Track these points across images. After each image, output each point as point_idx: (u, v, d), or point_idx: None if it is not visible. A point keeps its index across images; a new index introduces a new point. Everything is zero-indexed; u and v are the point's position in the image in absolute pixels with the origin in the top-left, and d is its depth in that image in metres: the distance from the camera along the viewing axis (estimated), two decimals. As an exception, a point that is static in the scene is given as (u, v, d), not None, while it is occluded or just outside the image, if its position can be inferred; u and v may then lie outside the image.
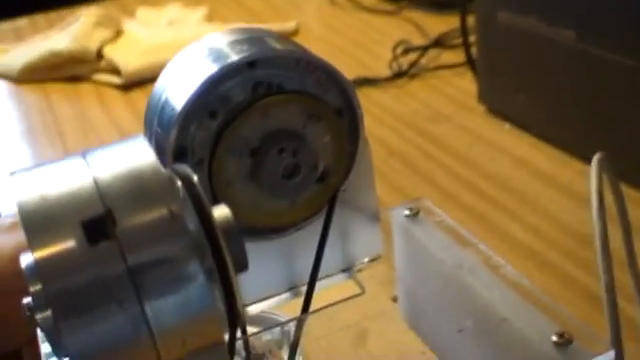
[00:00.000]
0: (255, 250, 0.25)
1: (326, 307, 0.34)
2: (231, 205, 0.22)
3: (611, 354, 0.27)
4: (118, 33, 0.93)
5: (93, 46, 0.87)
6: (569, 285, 0.45)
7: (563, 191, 0.55)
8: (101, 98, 0.82)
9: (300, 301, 0.34)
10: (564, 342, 0.27)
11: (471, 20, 0.69)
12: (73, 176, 0.21)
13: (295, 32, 0.94)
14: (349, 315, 0.38)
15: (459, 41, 0.76)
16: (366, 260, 0.36)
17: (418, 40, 0.83)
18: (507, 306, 0.29)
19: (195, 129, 0.29)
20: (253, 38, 0.31)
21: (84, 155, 0.22)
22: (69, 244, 0.19)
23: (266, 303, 0.34)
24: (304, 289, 0.34)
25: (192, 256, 0.20)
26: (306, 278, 0.34)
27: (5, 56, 0.92)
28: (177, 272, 0.20)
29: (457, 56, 0.77)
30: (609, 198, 0.34)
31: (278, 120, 0.30)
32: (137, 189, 0.20)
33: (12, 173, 0.21)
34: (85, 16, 0.93)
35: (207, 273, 0.20)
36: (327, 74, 0.31)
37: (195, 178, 0.22)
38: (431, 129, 0.67)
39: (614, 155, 0.34)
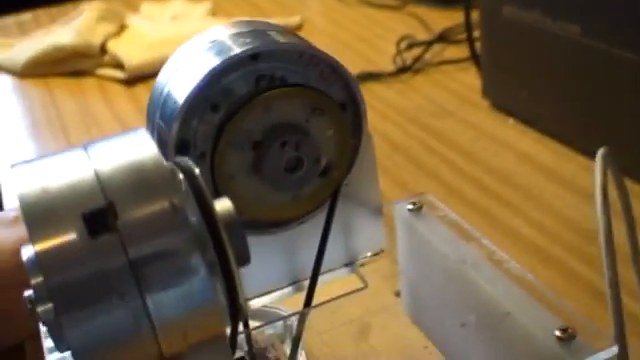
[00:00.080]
0: (257, 244, 0.25)
1: (329, 301, 0.34)
2: (233, 199, 0.22)
3: (614, 349, 0.27)
4: (122, 28, 0.93)
5: (96, 41, 0.87)
6: (573, 280, 0.45)
7: (567, 186, 0.55)
8: (104, 93, 0.82)
9: (303, 295, 0.34)
10: (567, 337, 0.27)
11: (475, 15, 0.69)
12: (74, 168, 0.21)
13: (299, 27, 0.94)
14: (352, 309, 0.38)
15: (463, 36, 0.76)
16: (369, 254, 0.35)
17: (422, 35, 0.83)
18: (510, 301, 0.29)
19: (197, 122, 0.29)
20: (256, 31, 0.30)
21: (85, 147, 0.22)
22: (70, 237, 0.19)
23: (268, 297, 0.34)
24: (307, 283, 0.34)
25: (194, 249, 0.20)
26: (309, 272, 0.34)
27: (9, 50, 0.92)
28: (178, 265, 0.20)
29: (461, 51, 0.77)
30: (613, 193, 0.34)
31: (281, 113, 0.30)
32: (139, 182, 0.20)
33: (13, 165, 0.21)
34: (88, 10, 0.92)
35: (209, 266, 0.20)
36: (330, 68, 0.31)
37: (197, 171, 0.22)
38: (435, 124, 0.67)
39: (618, 150, 0.34)
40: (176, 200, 0.20)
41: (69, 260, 0.19)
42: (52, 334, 0.20)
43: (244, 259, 0.22)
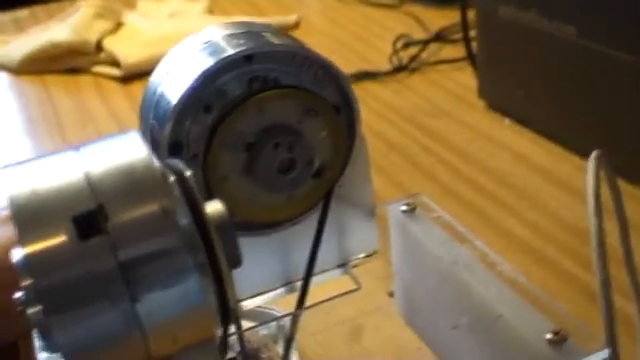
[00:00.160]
0: (251, 245, 0.25)
1: (322, 302, 0.34)
2: (226, 200, 0.22)
3: (605, 352, 0.27)
4: (118, 25, 0.93)
5: (93, 38, 0.87)
6: (567, 281, 0.45)
7: (562, 187, 0.55)
8: (100, 90, 0.82)
9: (296, 296, 0.34)
10: (559, 340, 0.27)
11: (472, 15, 0.69)
12: (65, 171, 0.21)
13: (296, 25, 0.94)
14: (345, 310, 0.38)
15: (459, 36, 0.75)
16: (362, 255, 0.35)
17: (419, 34, 0.83)
18: (503, 303, 0.29)
19: (190, 123, 0.29)
20: (250, 32, 0.30)
21: (76, 149, 0.22)
22: (60, 239, 0.19)
23: (262, 298, 0.34)
24: (300, 284, 0.34)
25: (184, 252, 0.20)
26: (302, 273, 0.34)
27: (5, 47, 0.92)
28: (168, 268, 0.20)
29: (457, 51, 0.77)
30: (606, 194, 0.34)
31: (274, 115, 0.30)
32: (129, 184, 0.20)
33: (4, 167, 0.21)
34: (85, 7, 0.92)
35: (199, 269, 0.20)
36: (324, 69, 0.30)
37: (188, 173, 0.22)
38: (431, 124, 0.67)
39: (614, 150, 0.34)
40: (166, 203, 0.20)
41: (59, 262, 0.19)
42: (42, 336, 0.20)
43: (235, 261, 0.22)
